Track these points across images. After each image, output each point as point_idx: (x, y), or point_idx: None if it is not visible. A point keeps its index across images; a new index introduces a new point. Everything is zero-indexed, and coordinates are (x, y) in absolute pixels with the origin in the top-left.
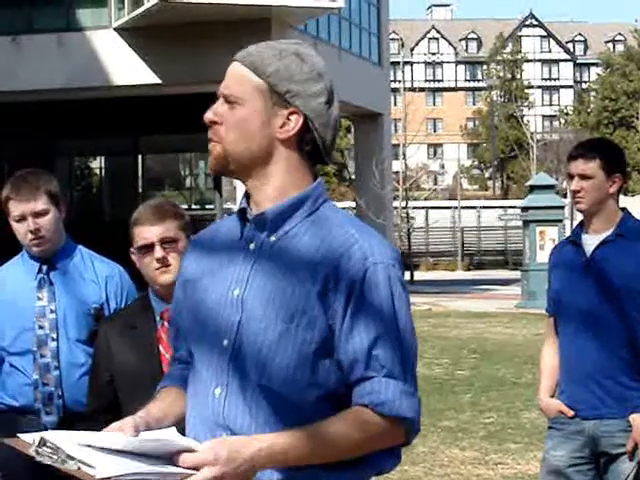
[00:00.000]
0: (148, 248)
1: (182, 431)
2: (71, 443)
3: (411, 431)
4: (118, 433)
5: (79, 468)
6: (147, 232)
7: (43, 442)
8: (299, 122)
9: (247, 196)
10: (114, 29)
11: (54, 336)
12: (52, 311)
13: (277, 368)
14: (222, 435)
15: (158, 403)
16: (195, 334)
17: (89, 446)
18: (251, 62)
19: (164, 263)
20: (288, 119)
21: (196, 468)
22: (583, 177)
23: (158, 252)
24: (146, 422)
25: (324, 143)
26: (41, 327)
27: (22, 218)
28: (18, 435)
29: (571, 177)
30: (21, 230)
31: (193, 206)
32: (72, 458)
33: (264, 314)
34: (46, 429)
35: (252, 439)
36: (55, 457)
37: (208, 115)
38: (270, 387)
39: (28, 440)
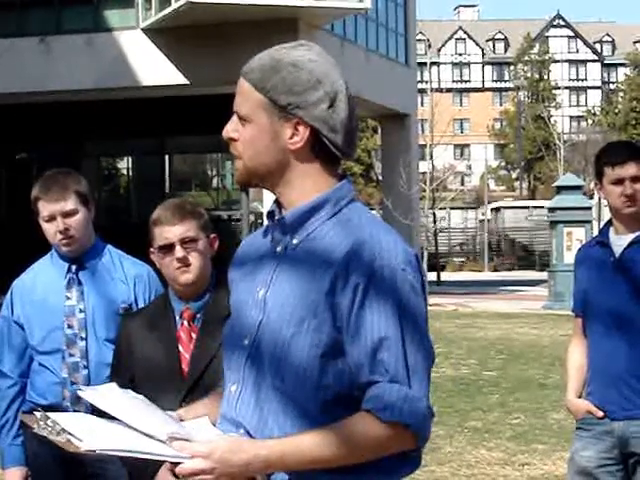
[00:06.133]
0: (169, 248)
1: None
2: (74, 420)
3: (417, 437)
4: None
5: (68, 440)
6: (168, 232)
7: (45, 417)
8: (306, 132)
9: (277, 199)
10: (142, 30)
11: (83, 335)
12: (81, 310)
13: (289, 369)
14: (233, 431)
15: (205, 401)
16: (227, 333)
17: (101, 417)
18: (251, 78)
19: (185, 263)
20: (296, 129)
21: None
22: (635, 179)
23: (179, 252)
24: (180, 417)
25: (336, 146)
26: (70, 326)
27: (51, 218)
28: (34, 413)
29: (619, 182)
30: (50, 230)
31: (220, 206)
32: (64, 431)
33: (280, 315)
34: None
35: (253, 443)
36: (50, 429)
37: (225, 133)
38: (282, 387)
39: (37, 415)
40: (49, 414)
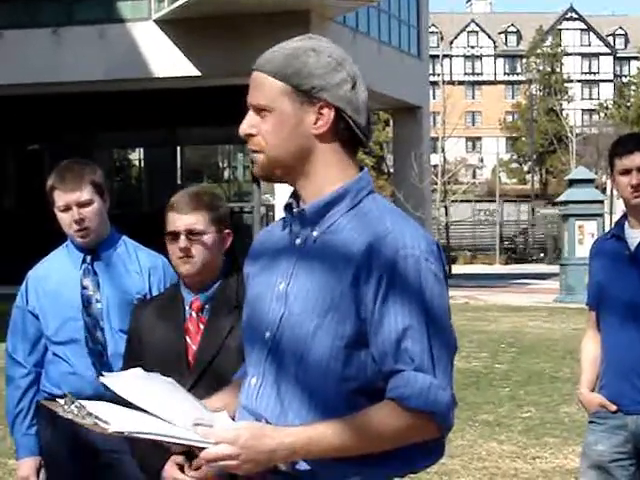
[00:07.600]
0: (174, 236)
1: None
2: (99, 406)
3: (441, 426)
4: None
5: (95, 423)
6: (177, 220)
7: (71, 401)
8: (331, 114)
9: (295, 192)
10: (154, 21)
11: (100, 326)
12: (97, 301)
13: (312, 362)
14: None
15: (221, 394)
16: (246, 327)
17: (125, 406)
18: (269, 69)
19: (187, 254)
20: (320, 114)
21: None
22: None
23: (182, 242)
24: None
25: (359, 127)
26: (89, 315)
27: (67, 208)
28: (57, 400)
29: (627, 172)
30: (66, 220)
31: (232, 198)
32: (90, 415)
33: (303, 308)
34: None
35: (277, 431)
36: (76, 413)
37: (243, 129)
38: (304, 380)
39: (61, 402)
40: (74, 398)
